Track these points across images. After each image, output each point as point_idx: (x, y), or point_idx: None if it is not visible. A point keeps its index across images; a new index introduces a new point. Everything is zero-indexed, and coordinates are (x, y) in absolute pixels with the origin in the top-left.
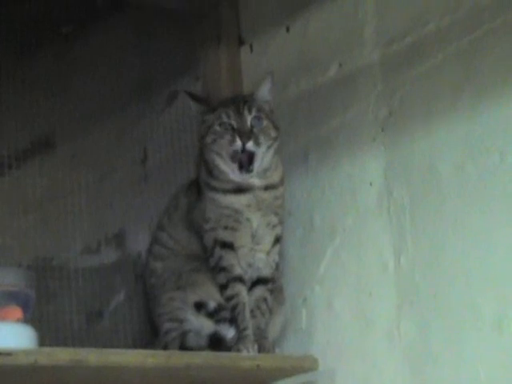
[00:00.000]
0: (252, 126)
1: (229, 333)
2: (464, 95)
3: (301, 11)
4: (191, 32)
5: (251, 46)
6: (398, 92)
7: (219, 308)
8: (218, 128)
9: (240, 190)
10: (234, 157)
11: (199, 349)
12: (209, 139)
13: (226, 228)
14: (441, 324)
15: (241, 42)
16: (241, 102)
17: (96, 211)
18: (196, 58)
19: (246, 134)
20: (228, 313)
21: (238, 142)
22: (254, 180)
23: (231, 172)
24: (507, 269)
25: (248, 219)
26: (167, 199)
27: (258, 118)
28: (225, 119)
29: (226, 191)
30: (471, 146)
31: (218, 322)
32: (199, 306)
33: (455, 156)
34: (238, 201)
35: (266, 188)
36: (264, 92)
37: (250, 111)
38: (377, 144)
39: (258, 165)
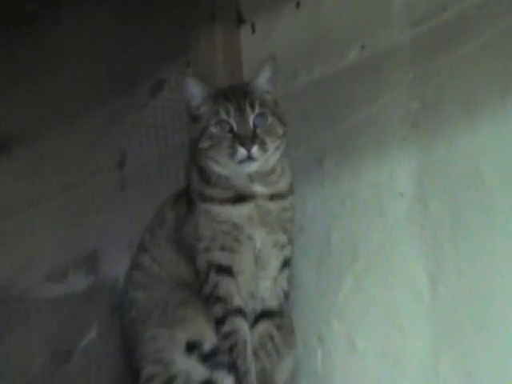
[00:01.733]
0: (255, 126)
1: (226, 381)
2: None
3: None
4: (181, 11)
5: (253, 26)
6: (433, 80)
7: (216, 350)
8: (214, 129)
9: (240, 198)
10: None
11: None
12: (204, 144)
13: (223, 248)
14: (489, 368)
15: (240, 21)
16: (240, 95)
17: (63, 228)
18: (186, 42)
19: (250, 138)
20: (226, 357)
21: (242, 151)
22: (257, 186)
23: (228, 166)
24: None
25: (250, 237)
26: (150, 213)
27: (261, 116)
28: (224, 117)
29: (223, 201)
30: None
31: (213, 367)
32: (191, 347)
33: (506, 159)
34: (238, 213)
35: (272, 197)
36: (264, 80)
37: (252, 108)
38: (408, 144)
39: (260, 155)
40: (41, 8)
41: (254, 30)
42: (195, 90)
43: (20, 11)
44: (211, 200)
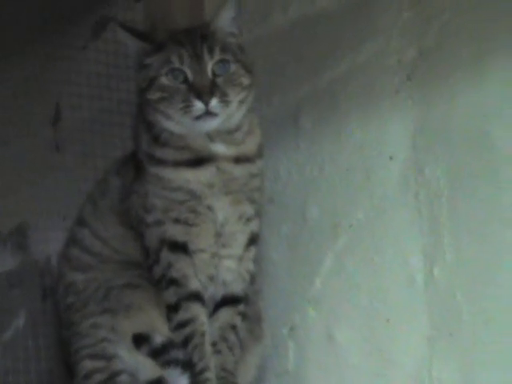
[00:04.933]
0: (215, 76)
1: (180, 381)
2: None
3: None
4: None
5: None
6: (434, 22)
7: (168, 344)
8: (165, 80)
9: (198, 161)
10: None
11: None
12: (153, 95)
13: (177, 221)
14: (491, 365)
15: None
16: (197, 38)
17: None
18: None
19: (208, 89)
20: (181, 352)
21: (198, 104)
22: (218, 145)
23: (183, 123)
24: None
25: (210, 208)
26: (90, 180)
27: (222, 62)
28: (176, 64)
29: (177, 164)
30: None
31: (164, 364)
32: (139, 340)
33: None
34: (196, 178)
35: (237, 160)
36: (226, 21)
37: (211, 53)
38: (401, 98)
39: (221, 109)
40: None
41: None
42: (129, 43)
43: None
44: (163, 163)
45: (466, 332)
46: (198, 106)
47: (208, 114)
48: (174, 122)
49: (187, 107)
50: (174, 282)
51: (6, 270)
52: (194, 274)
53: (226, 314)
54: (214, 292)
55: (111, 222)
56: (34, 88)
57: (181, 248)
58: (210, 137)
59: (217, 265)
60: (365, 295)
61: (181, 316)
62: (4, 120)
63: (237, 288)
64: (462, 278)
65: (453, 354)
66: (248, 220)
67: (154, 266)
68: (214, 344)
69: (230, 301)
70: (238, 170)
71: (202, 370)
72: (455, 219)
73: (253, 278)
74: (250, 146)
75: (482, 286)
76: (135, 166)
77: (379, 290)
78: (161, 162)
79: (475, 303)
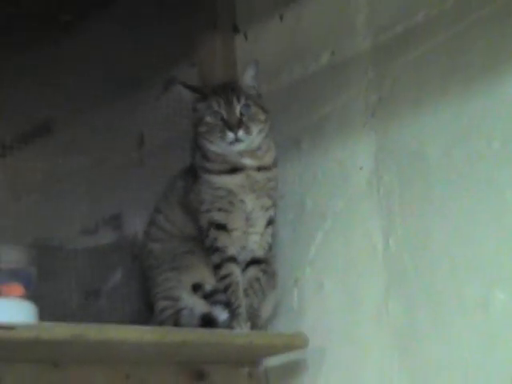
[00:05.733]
0: (241, 115)
1: (222, 315)
2: (452, 82)
3: (294, 1)
4: (187, 19)
5: (245, 34)
6: (388, 78)
7: (215, 291)
8: (209, 119)
9: (233, 170)
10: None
11: (192, 327)
12: (202, 129)
13: (220, 210)
14: (427, 304)
15: (236, 30)
16: (229, 90)
17: (94, 194)
18: (192, 46)
19: (236, 124)
20: (223, 296)
21: (230, 134)
22: (246, 160)
23: (221, 146)
24: (492, 252)
25: (242, 201)
26: (163, 184)
27: (246, 106)
28: (215, 108)
29: (219, 172)
30: (459, 132)
31: (213, 303)
32: (197, 288)
33: (443, 141)
34: (232, 181)
35: (259, 169)
36: (249, 78)
37: (238, 100)
38: (367, 129)
39: (245, 137)
40: (74, 17)
41: (246, 38)
42: (185, 94)
43: (56, 21)
44: (210, 171)
45: (411, 281)
46: (230, 135)
47: (237, 140)
48: (216, 146)
49: (223, 136)
50: (217, 249)
51: (109, 242)
52: (231, 244)
53: (253, 271)
54: (244, 256)
55: (177, 210)
56: (125, 122)
57: (222, 227)
58: (240, 154)
59: (246, 238)
60: (343, 259)
61: (223, 272)
62: (105, 144)
63: (259, 253)
64: (408, 245)
65: (402, 296)
66: (267, 209)
67: (205, 239)
68: (244, 290)
69: (255, 262)
70: (260, 176)
71: (237, 307)
72: (403, 208)
73: (270, 247)
74: (267, 160)
75: (421, 250)
76: (192, 174)
77: (353, 255)
78: (209, 171)
79: (416, 261)
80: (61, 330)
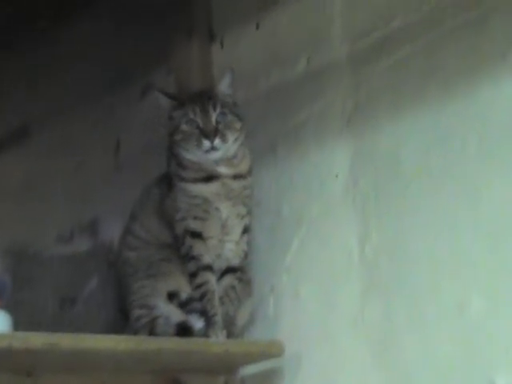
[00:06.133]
0: (217, 123)
1: (198, 324)
2: (428, 88)
3: (270, 8)
4: (164, 26)
5: (222, 42)
6: (364, 85)
7: (191, 299)
8: (185, 127)
9: (208, 178)
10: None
11: (167, 336)
12: (177, 137)
13: (195, 218)
14: (404, 308)
15: (212, 38)
16: (205, 98)
17: (70, 200)
18: (169, 52)
19: (212, 132)
20: (199, 304)
21: (206, 143)
22: (222, 168)
23: (197, 155)
24: (468, 254)
25: (217, 209)
26: (140, 190)
27: (222, 114)
28: (191, 116)
29: (195, 180)
30: (434, 136)
31: (188, 312)
32: (172, 296)
33: (418, 146)
34: (207, 189)
35: (235, 177)
36: (225, 86)
37: (214, 108)
38: (343, 136)
39: (221, 145)
40: (50, 23)
41: (222, 46)
42: (163, 102)
43: (33, 27)
44: (185, 180)
45: (387, 287)
46: (206, 143)
47: (213, 148)
48: (191, 154)
49: (199, 144)
50: (193, 258)
51: (84, 250)
52: (207, 252)
53: (229, 279)
54: (220, 264)
55: (153, 217)
56: (102, 127)
57: (198, 235)
58: (216, 162)
59: (222, 246)
60: (320, 265)
61: (198, 280)
62: (81, 148)
63: (235, 262)
64: (384, 251)
65: (378, 302)
66: (243, 217)
67: (180, 247)
68: (220, 298)
69: (230, 270)
70: (236, 184)
71: (213, 315)
72: (378, 215)
73: (246, 255)
74: (243, 168)
75: (398, 256)
76: (168, 181)
77: (329, 262)
78: (184, 179)
79: (393, 267)
80: (35, 339)
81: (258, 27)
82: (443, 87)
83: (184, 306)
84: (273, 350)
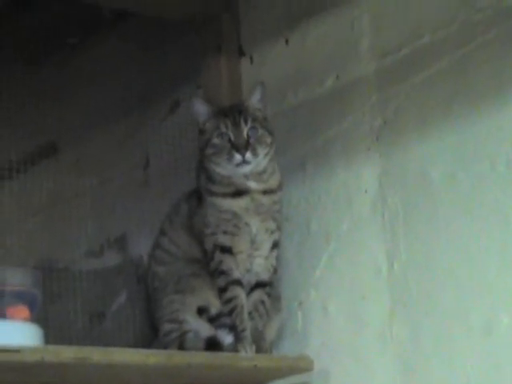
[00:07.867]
0: (248, 137)
1: (227, 339)
2: (456, 106)
3: (299, 24)
4: (193, 43)
5: (251, 58)
6: (393, 102)
7: (220, 314)
8: (216, 140)
9: (238, 193)
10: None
11: (196, 350)
12: (208, 151)
13: (225, 233)
14: (432, 326)
15: (241, 53)
16: (236, 112)
17: (99, 215)
18: (197, 68)
19: (244, 146)
20: (228, 319)
21: (237, 156)
22: (252, 183)
23: (228, 168)
24: (496, 274)
25: (247, 224)
26: (169, 205)
27: (253, 128)
28: (223, 130)
29: (225, 195)
30: (463, 155)
31: (218, 327)
32: (202, 311)
33: (447, 164)
34: (237, 204)
35: (265, 192)
36: (255, 100)
37: (246, 122)
38: (372, 153)
39: (252, 159)
40: (80, 40)
41: (252, 61)
42: (201, 109)
43: (63, 44)
44: (215, 194)
45: (415, 304)
46: (237, 157)
47: (244, 162)
48: (222, 168)
49: (230, 158)
50: (223, 272)
51: (114, 264)
52: (237, 267)
53: (258, 294)
54: (249, 279)
55: (182, 232)
56: (131, 144)
57: (227, 250)
58: (246, 177)
59: (251, 261)
60: (348, 281)
61: (228, 295)
62: (110, 164)
63: (264, 276)
64: (413, 268)
65: (406, 319)
66: (272, 232)
67: (210, 262)
68: (249, 313)
69: (260, 285)
70: (265, 199)
71: (242, 330)
72: (407, 231)
73: (275, 270)
74: (272, 183)
75: (426, 273)
76: (197, 196)
77: (358, 278)
78: (214, 194)
79: (421, 284)
80: (65, 353)
81: (287, 43)
82: (472, 105)
83: (213, 320)
84: (302, 365)
